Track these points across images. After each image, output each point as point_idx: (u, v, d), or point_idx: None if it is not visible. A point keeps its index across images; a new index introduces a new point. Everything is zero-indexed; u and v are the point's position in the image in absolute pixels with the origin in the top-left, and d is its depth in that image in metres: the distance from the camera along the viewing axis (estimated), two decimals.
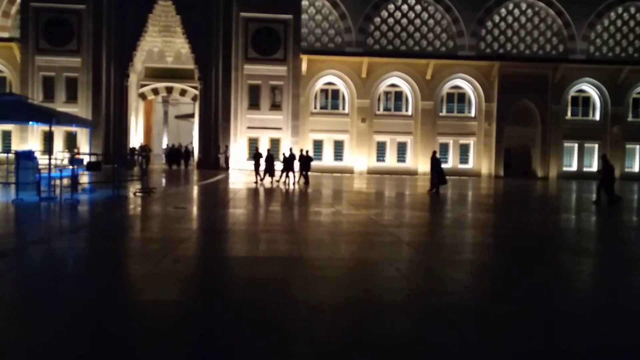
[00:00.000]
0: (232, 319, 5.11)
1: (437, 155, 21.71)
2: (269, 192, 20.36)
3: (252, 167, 26.73)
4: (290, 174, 24.54)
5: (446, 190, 22.05)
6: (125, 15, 35.28)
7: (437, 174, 20.61)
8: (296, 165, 24.97)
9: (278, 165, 25.55)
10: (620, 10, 40.13)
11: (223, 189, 21.70)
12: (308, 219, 12.59)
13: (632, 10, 40.25)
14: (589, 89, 39.47)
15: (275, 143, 36.24)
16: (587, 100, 39.80)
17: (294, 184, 24.24)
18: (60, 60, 34.65)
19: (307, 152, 26.50)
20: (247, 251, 8.52)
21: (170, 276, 6.74)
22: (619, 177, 38.84)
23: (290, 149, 26.91)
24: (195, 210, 14.75)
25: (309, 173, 25.22)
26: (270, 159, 24.67)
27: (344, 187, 23.72)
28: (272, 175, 24.70)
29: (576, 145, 39.49)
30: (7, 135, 35.65)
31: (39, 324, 4.80)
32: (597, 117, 39.67)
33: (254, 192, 20.03)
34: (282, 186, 23.06)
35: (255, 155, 26.19)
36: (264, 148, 32.70)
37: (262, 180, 24.58)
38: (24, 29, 34.38)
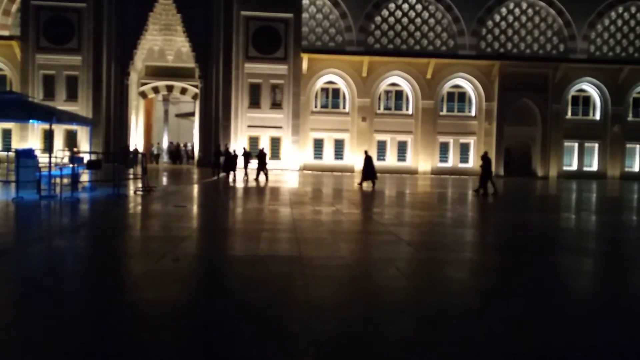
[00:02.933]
0: (232, 317, 5.11)
1: (369, 154, 24.09)
2: (268, 191, 20.37)
3: (251, 166, 27.90)
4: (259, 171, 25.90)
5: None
6: (125, 14, 35.28)
7: (368, 170, 23.05)
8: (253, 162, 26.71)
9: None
10: (620, 9, 40.14)
11: (223, 187, 21.71)
12: (307, 217, 12.59)
13: (633, 9, 40.25)
14: (589, 88, 39.48)
15: (276, 142, 36.27)
16: (587, 100, 39.81)
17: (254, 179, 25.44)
18: (60, 58, 34.68)
19: (262, 149, 27.33)
20: (247, 250, 8.53)
21: (170, 275, 6.75)
22: (619, 177, 38.95)
23: (244, 147, 29.48)
24: (195, 208, 14.75)
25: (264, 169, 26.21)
26: (234, 157, 26.56)
27: (344, 187, 23.72)
28: (230, 170, 25.98)
29: (576, 144, 39.51)
30: (7, 133, 35.68)
31: (38, 322, 4.80)
32: (598, 116, 39.68)
33: (253, 191, 20.03)
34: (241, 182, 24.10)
35: (216, 152, 28.30)
36: (264, 146, 32.69)
37: (221, 176, 26.17)
38: (24, 27, 34.41)
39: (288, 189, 21.13)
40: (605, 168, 39.47)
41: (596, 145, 39.62)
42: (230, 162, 26.24)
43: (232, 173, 26.10)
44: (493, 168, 37.62)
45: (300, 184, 24.90)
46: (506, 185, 29.68)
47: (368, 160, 23.34)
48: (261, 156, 25.66)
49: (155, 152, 42.55)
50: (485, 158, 21.35)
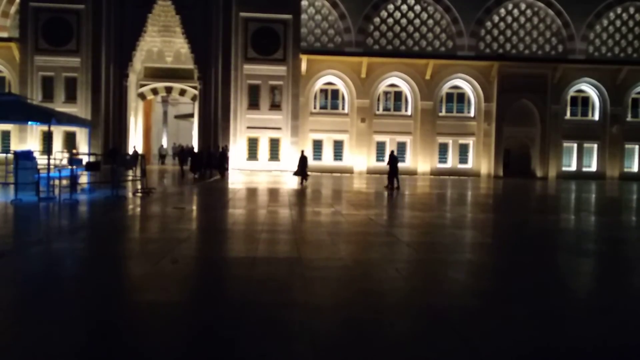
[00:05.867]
0: (231, 319, 5.10)
1: (305, 154, 25.96)
2: (268, 192, 20.36)
3: (250, 167, 28.28)
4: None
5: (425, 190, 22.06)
6: (124, 15, 35.26)
7: (301, 168, 24.79)
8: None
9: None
10: (619, 10, 40.16)
11: (222, 188, 21.70)
12: (306, 218, 12.58)
13: (631, 10, 40.28)
14: (588, 89, 39.50)
15: (275, 143, 36.26)
16: (586, 100, 39.82)
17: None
18: (59, 60, 34.65)
19: (302, 151, 28.02)
20: (246, 251, 8.51)
21: (169, 277, 6.74)
22: (618, 177, 38.98)
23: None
24: (194, 210, 14.74)
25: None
26: (196, 155, 28.85)
27: (343, 187, 23.71)
28: (196, 170, 27.83)
29: (575, 145, 39.52)
30: (6, 135, 35.64)
31: (37, 324, 4.79)
32: (596, 117, 39.69)
33: (252, 192, 20.03)
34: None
35: (180, 152, 30.72)
36: (263, 148, 32.88)
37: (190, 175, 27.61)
38: (23, 29, 34.37)
39: (287, 191, 21.12)
40: (604, 168, 39.49)
41: (595, 145, 39.62)
42: (196, 161, 28.05)
43: (197, 172, 27.90)
44: (490, 169, 37.99)
45: (299, 185, 24.89)
46: (504, 186, 29.70)
47: (303, 159, 25.09)
48: (302, 160, 25.46)
49: (163, 153, 43.09)
50: (391, 157, 23.54)
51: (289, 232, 10.37)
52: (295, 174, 25.21)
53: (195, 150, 32.33)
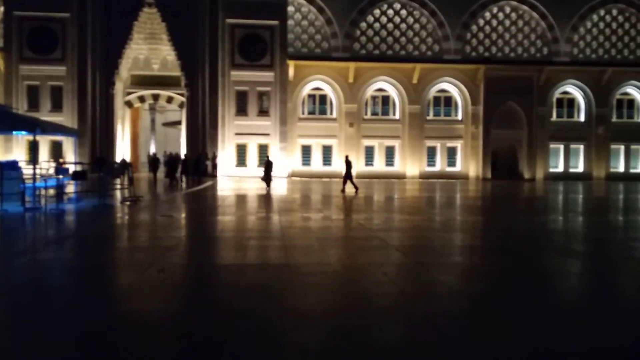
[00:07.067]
0: (219, 327, 5.05)
1: (270, 159, 26.42)
2: (256, 198, 20.30)
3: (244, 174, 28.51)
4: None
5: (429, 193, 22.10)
6: (110, 23, 35.11)
7: (266, 174, 25.18)
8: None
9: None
10: (602, 12, 40.62)
11: (210, 196, 21.61)
12: (295, 224, 12.54)
13: (614, 12, 40.76)
14: (573, 90, 39.89)
15: (263, 149, 36.21)
16: (571, 102, 40.22)
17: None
18: (44, 69, 34.40)
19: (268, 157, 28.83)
20: (234, 258, 8.46)
21: (157, 285, 6.67)
22: (604, 177, 39.35)
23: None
24: (182, 217, 14.65)
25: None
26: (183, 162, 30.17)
27: (333, 192, 23.71)
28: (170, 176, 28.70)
29: (562, 146, 39.87)
30: None
31: (23, 335, 4.72)
32: (582, 118, 40.09)
33: (241, 199, 19.96)
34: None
35: (153, 160, 31.97)
36: (255, 154, 32.94)
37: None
38: (7, 38, 34.10)
39: (275, 197, 21.07)
40: (591, 169, 39.85)
41: (581, 146, 39.99)
42: (171, 167, 29.13)
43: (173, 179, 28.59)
44: (478, 172, 38.21)
45: (289, 190, 24.87)
46: (492, 188, 29.85)
47: (268, 164, 25.54)
48: (267, 165, 25.67)
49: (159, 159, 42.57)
50: (347, 161, 24.06)
51: (276, 238, 10.33)
52: (263, 179, 25.26)
53: (181, 157, 32.69)
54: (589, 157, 39.87)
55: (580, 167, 40.12)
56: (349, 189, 23.56)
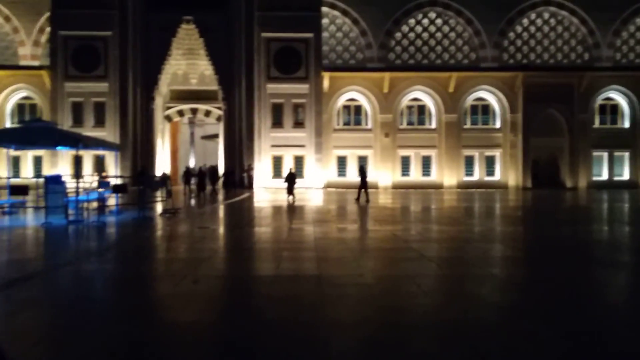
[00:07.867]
0: (252, 337, 5.09)
1: (292, 171, 26.61)
2: (290, 209, 20.40)
3: (280, 185, 29.67)
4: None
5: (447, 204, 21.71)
6: (150, 40, 36.17)
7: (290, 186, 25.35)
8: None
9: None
10: None
11: (247, 207, 21.84)
12: (330, 235, 12.54)
13: None
14: (616, 96, 38.73)
15: (299, 160, 36.42)
16: (615, 108, 39.04)
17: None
18: (88, 85, 35.59)
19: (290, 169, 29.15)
20: (269, 269, 8.52)
21: (193, 295, 6.78)
22: None
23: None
24: (219, 229, 14.84)
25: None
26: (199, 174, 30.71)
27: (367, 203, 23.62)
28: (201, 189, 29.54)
29: (606, 154, 38.68)
30: (38, 160, 36.63)
31: (67, 344, 4.86)
32: (627, 124, 38.84)
33: (277, 211, 20.09)
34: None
35: (186, 173, 32.94)
36: (287, 166, 33.20)
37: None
38: (53, 57, 35.47)
39: (311, 208, 21.12)
40: (636, 177, 38.49)
41: (626, 154, 38.70)
42: (201, 180, 29.86)
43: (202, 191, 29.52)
44: (518, 181, 37.37)
45: (324, 201, 24.91)
46: (533, 197, 29.13)
47: (291, 176, 25.80)
48: (290, 177, 25.86)
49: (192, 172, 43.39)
50: (361, 171, 24.77)
51: (309, 249, 10.35)
52: (287, 191, 25.51)
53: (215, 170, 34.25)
54: (634, 165, 38.55)
55: (625, 175, 38.81)
56: (363, 198, 24.16)
